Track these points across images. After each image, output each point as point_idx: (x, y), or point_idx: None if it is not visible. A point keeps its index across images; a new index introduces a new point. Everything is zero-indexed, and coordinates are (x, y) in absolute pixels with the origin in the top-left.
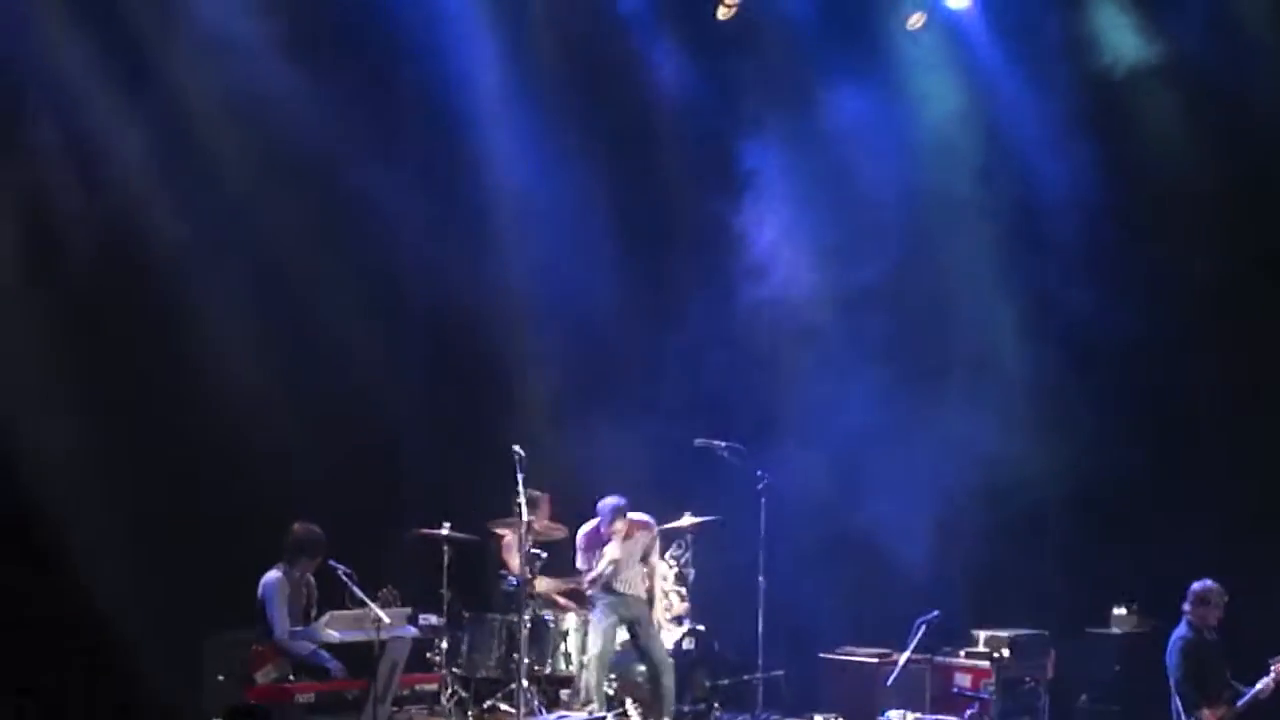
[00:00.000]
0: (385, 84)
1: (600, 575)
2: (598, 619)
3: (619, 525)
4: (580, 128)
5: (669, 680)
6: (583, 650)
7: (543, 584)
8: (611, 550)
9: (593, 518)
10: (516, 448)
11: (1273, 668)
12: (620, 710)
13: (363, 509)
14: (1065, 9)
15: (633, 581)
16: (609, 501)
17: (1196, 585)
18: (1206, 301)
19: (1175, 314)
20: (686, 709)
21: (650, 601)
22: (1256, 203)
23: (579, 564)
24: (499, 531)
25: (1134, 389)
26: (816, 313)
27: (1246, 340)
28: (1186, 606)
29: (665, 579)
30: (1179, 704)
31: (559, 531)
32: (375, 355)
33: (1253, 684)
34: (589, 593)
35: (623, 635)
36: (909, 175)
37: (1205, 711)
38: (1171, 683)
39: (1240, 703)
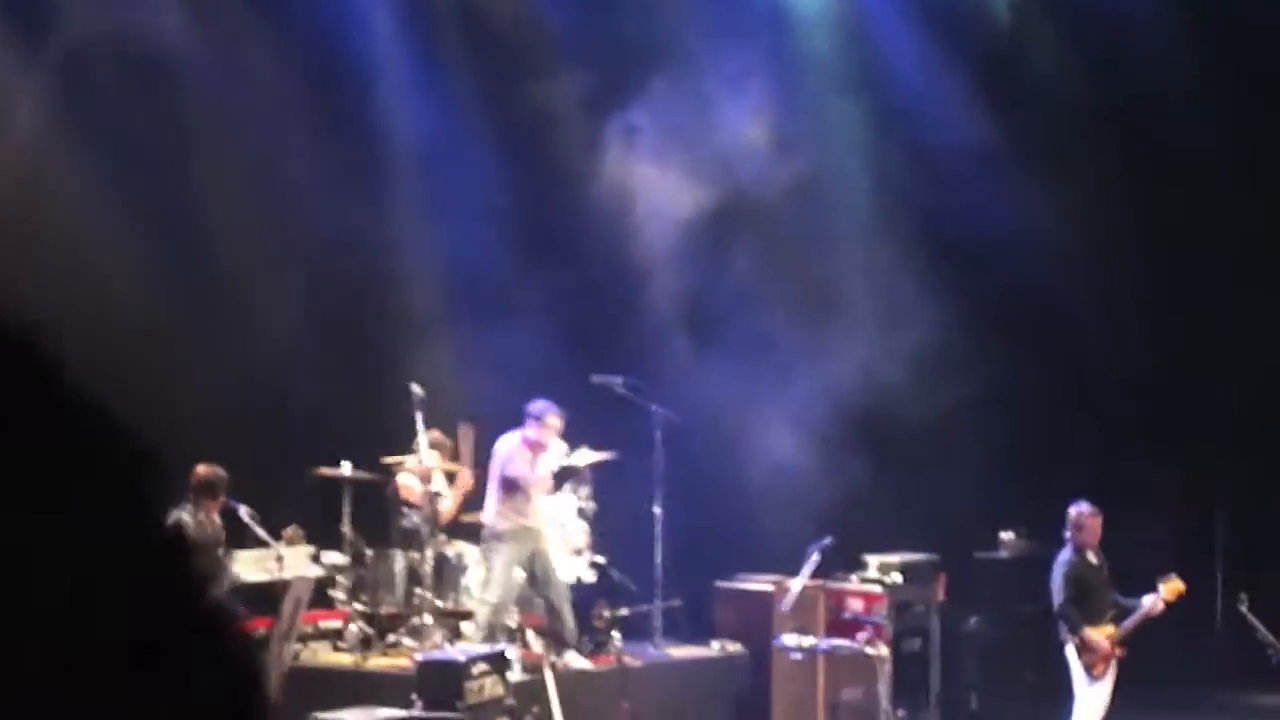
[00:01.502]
0: (281, 35)
1: (537, 479)
2: (502, 560)
3: (556, 421)
4: (468, 73)
5: (568, 610)
6: (484, 586)
7: (446, 504)
8: (550, 461)
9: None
10: (415, 386)
11: (1161, 586)
12: (522, 643)
13: (264, 450)
14: None
15: (541, 511)
16: (542, 402)
17: (1071, 509)
18: (1092, 217)
19: (1062, 231)
20: (587, 639)
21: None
22: (1138, 123)
23: (511, 472)
24: (399, 469)
25: (1022, 309)
26: (699, 242)
27: (1133, 254)
28: (1066, 531)
29: (567, 512)
30: (1061, 627)
31: (457, 469)
32: (272, 294)
33: (1139, 604)
34: (495, 525)
35: (519, 575)
36: (794, 105)
37: (1088, 633)
38: (1054, 606)
39: (1126, 622)
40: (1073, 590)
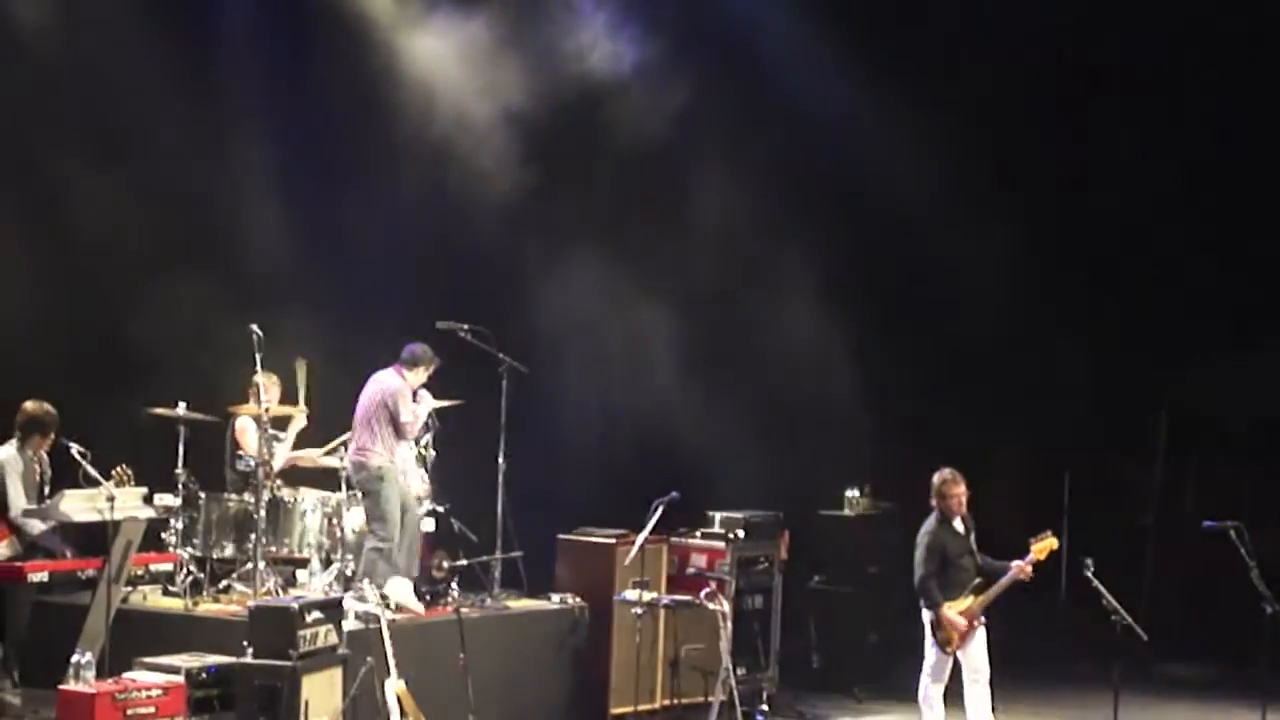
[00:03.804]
0: None
1: (418, 424)
2: (388, 497)
3: (434, 366)
4: None
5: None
6: (325, 532)
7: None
8: (424, 408)
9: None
10: (255, 327)
11: (1032, 546)
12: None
13: (97, 388)
14: None
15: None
16: (421, 347)
17: (934, 476)
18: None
19: (915, 197)
20: (425, 589)
21: None
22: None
23: (404, 416)
24: (236, 411)
25: (872, 269)
26: (546, 180)
27: (983, 223)
28: (932, 499)
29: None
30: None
31: (295, 412)
32: (112, 229)
33: (1008, 568)
34: (378, 464)
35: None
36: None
37: (945, 611)
38: (915, 578)
39: (990, 590)
40: (934, 563)
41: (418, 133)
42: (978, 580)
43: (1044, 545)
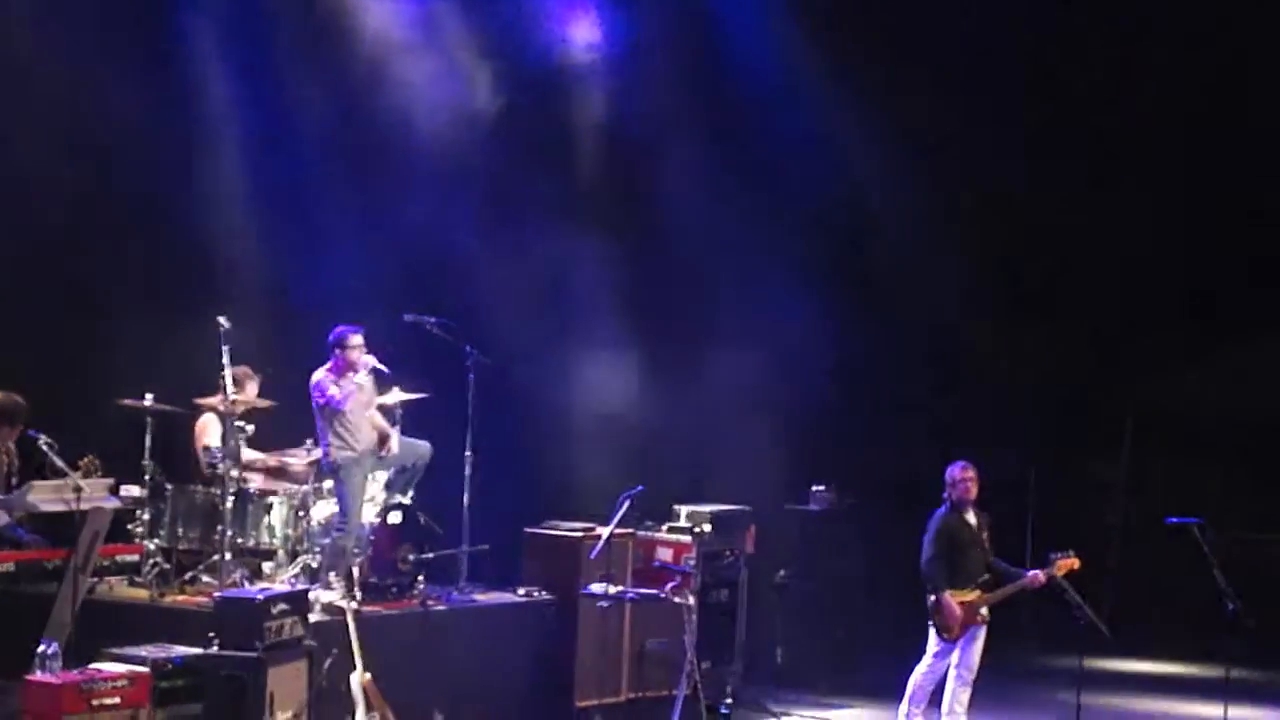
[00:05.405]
0: None
1: (347, 395)
2: (346, 491)
3: (356, 340)
4: None
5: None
6: (291, 524)
7: (246, 456)
8: (362, 375)
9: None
10: (221, 319)
11: (1054, 561)
12: (324, 583)
13: (64, 378)
14: None
15: (369, 433)
16: (337, 329)
17: (946, 471)
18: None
19: (879, 185)
20: (390, 582)
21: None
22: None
23: (323, 399)
24: (203, 404)
25: (838, 266)
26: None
27: (949, 212)
28: (944, 491)
29: None
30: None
31: (265, 405)
32: (80, 220)
33: (1021, 575)
34: (331, 459)
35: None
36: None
37: (946, 596)
38: (922, 561)
39: (999, 590)
40: (942, 546)
41: (382, 118)
42: (986, 577)
43: (1065, 564)
